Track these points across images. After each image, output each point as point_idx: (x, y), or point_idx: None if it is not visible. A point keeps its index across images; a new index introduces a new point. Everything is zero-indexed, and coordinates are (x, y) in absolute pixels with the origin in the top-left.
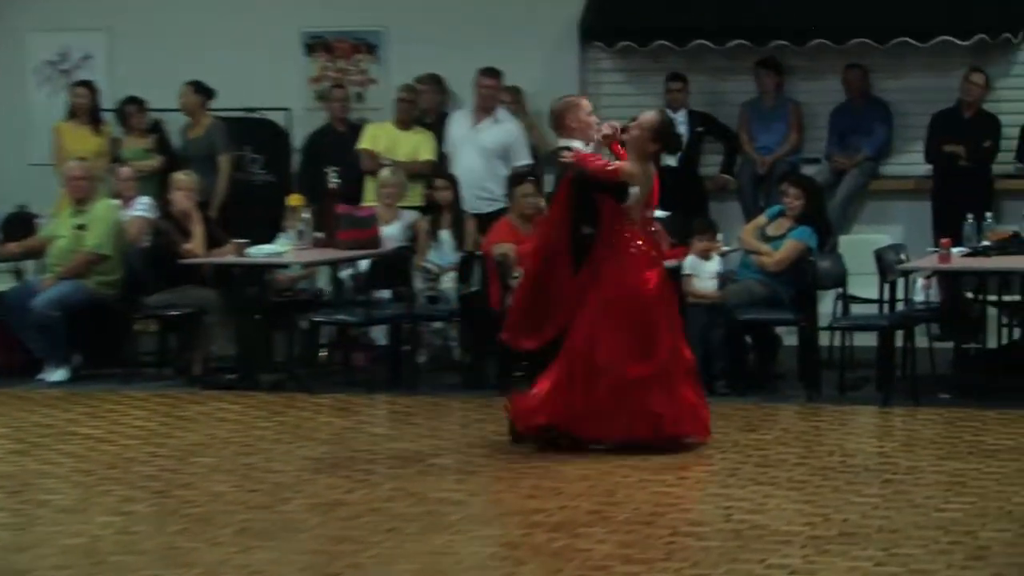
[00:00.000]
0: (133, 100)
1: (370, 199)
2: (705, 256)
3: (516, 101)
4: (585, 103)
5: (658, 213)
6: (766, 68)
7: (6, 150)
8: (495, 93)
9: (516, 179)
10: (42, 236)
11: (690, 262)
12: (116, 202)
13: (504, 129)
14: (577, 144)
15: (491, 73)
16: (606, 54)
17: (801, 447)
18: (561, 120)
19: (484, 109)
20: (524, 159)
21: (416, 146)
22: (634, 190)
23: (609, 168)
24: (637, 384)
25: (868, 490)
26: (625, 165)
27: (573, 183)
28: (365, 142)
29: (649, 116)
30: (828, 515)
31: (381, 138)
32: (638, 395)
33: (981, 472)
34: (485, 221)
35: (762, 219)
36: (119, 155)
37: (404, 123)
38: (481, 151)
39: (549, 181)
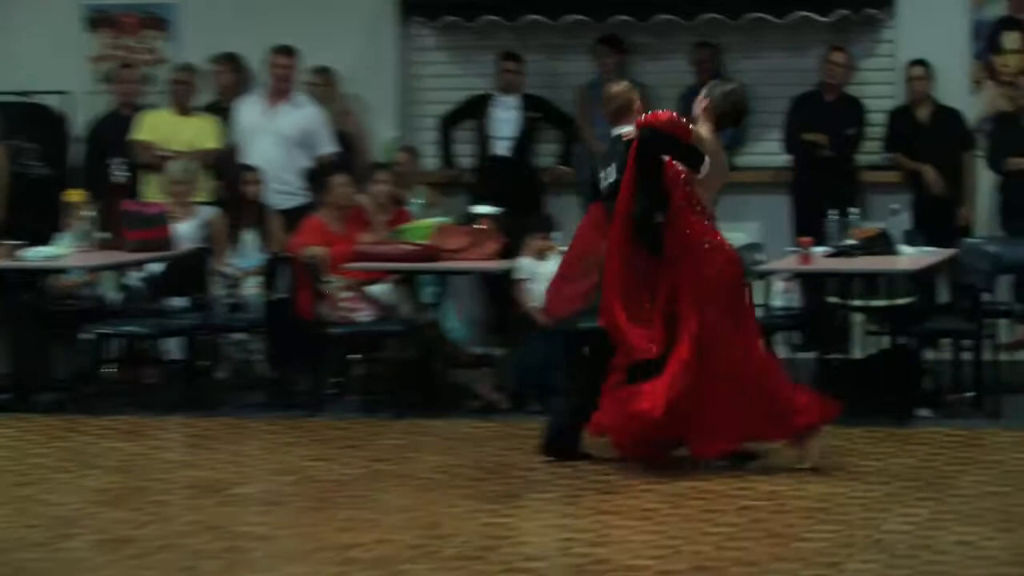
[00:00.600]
0: None
1: (152, 195)
2: (541, 257)
3: (327, 83)
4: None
5: (486, 209)
6: (607, 46)
7: None
8: (290, 73)
9: (326, 170)
10: None
11: (525, 264)
12: None
13: (304, 114)
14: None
15: (285, 51)
16: (429, 30)
17: (648, 471)
18: (629, 105)
19: (279, 92)
20: (327, 147)
21: (197, 133)
22: (707, 163)
23: (683, 121)
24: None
25: (723, 518)
26: (697, 128)
27: (638, 162)
28: (141, 132)
29: (725, 86)
30: (679, 547)
31: (159, 127)
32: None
33: (846, 497)
34: (291, 219)
35: None
36: None
37: (183, 108)
38: (278, 139)
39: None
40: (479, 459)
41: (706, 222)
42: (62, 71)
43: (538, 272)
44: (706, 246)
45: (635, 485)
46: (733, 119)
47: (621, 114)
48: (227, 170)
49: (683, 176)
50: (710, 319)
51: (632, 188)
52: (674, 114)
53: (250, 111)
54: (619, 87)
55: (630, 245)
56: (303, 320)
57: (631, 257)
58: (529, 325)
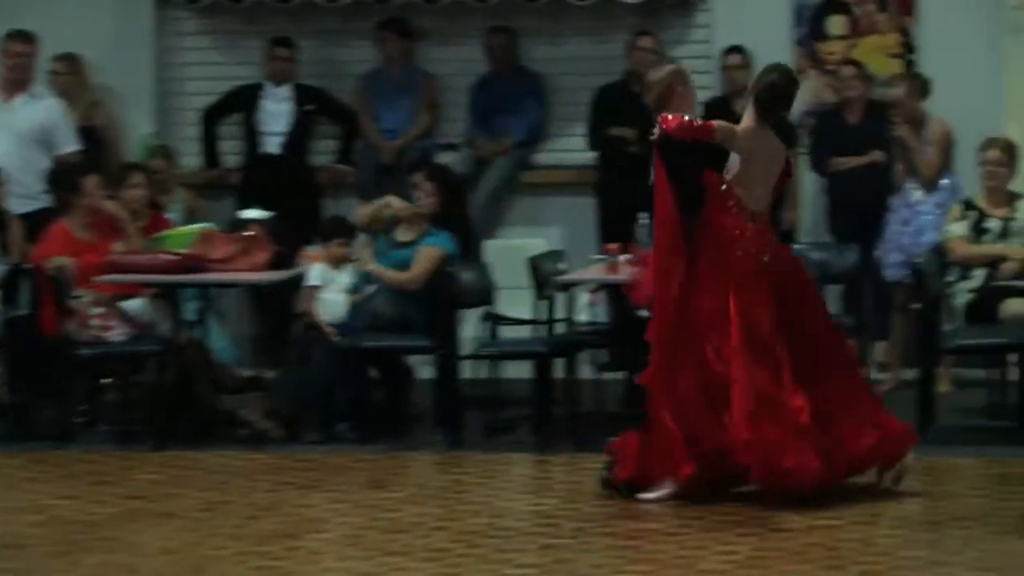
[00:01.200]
0: None
1: None
2: (337, 266)
3: (73, 72)
4: (686, 70)
5: (255, 213)
6: (390, 31)
7: None
8: (28, 62)
9: (72, 171)
10: None
11: (317, 272)
12: None
13: (42, 107)
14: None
15: (22, 37)
16: (188, 12)
17: (440, 507)
18: (670, 91)
19: (15, 83)
20: (69, 145)
21: None
22: (735, 160)
23: (696, 124)
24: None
25: (524, 558)
26: (723, 124)
27: (665, 165)
28: None
29: (773, 75)
30: None
31: None
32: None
33: (661, 533)
34: (32, 225)
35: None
36: None
37: None
38: (14, 136)
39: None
40: (249, 495)
41: (745, 222)
42: None
43: (333, 281)
44: (739, 254)
45: (424, 523)
46: (783, 107)
47: (662, 104)
48: None
49: (717, 176)
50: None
51: (666, 190)
52: (684, 118)
53: None
54: (659, 73)
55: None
56: (47, 339)
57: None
58: (311, 341)
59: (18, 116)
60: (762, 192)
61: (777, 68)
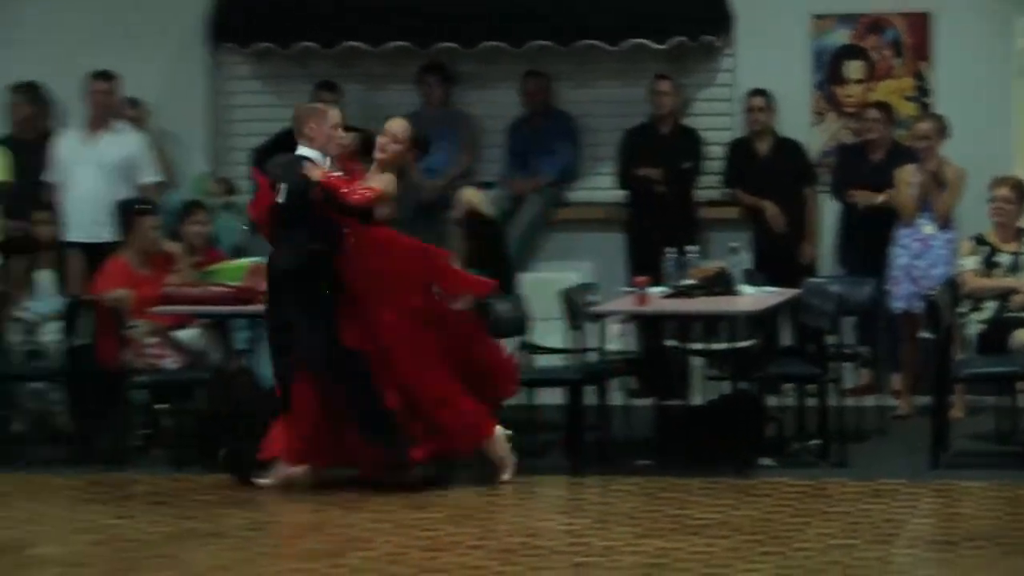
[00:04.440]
0: None
1: None
2: None
3: (137, 117)
4: (333, 114)
5: None
6: (431, 75)
7: None
8: (111, 100)
9: (138, 211)
10: None
11: None
12: None
13: (125, 141)
14: (315, 155)
15: (105, 77)
16: (241, 57)
17: (477, 526)
18: (300, 125)
19: (99, 119)
20: (150, 176)
21: None
22: (383, 210)
23: (369, 197)
24: None
25: None
26: (381, 188)
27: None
28: None
29: (400, 124)
30: None
31: None
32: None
33: (686, 552)
34: (94, 258)
35: None
36: None
37: None
38: (100, 169)
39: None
40: (295, 515)
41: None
42: None
43: None
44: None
45: (463, 542)
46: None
47: (297, 133)
48: (18, 208)
49: None
50: None
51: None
52: (357, 190)
53: (68, 145)
54: (299, 107)
55: None
56: (106, 368)
57: None
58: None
59: (103, 150)
60: None
61: (405, 118)
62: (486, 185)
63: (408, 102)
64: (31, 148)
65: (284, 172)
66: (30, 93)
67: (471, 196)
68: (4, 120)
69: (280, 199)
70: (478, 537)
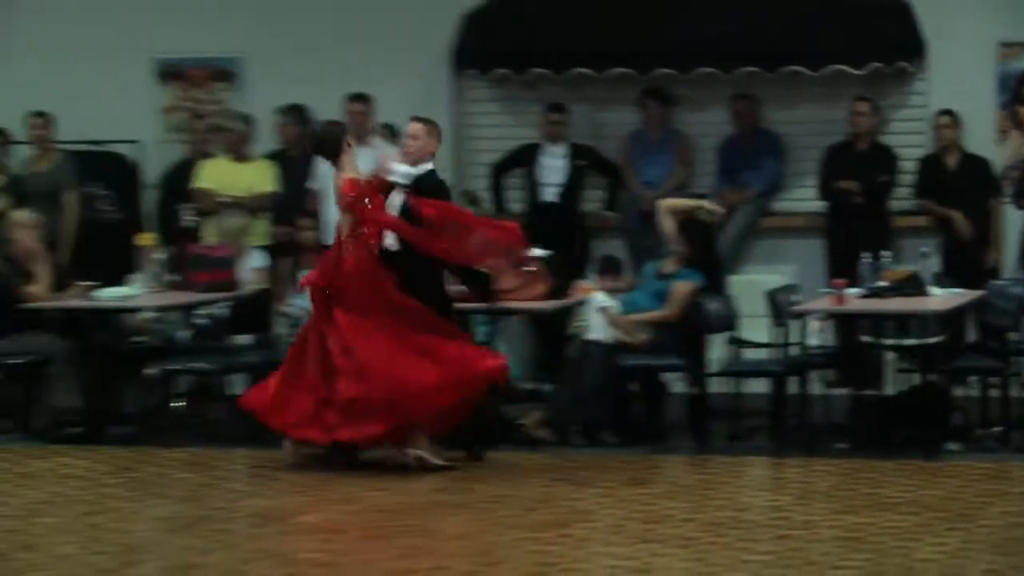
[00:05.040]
0: None
1: (211, 239)
2: (608, 294)
3: (389, 139)
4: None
5: (536, 252)
6: (651, 98)
7: None
8: (365, 120)
9: None
10: None
11: (602, 297)
12: None
13: (381, 156)
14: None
15: (359, 98)
16: (481, 82)
17: (690, 501)
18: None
19: (356, 136)
20: None
21: (255, 179)
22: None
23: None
24: None
25: (761, 547)
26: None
27: None
28: (200, 181)
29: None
30: (718, 574)
31: (217, 175)
32: None
33: (879, 527)
34: None
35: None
36: None
37: (238, 156)
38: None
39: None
40: (528, 490)
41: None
42: (134, 122)
43: (611, 306)
44: None
45: (676, 515)
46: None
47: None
48: (285, 215)
49: None
50: None
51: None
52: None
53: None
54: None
55: None
56: None
57: None
58: (583, 359)
59: (360, 165)
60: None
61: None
62: (699, 196)
63: (629, 122)
64: (297, 163)
65: None
66: (296, 115)
67: (676, 203)
68: (274, 138)
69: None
70: (691, 511)
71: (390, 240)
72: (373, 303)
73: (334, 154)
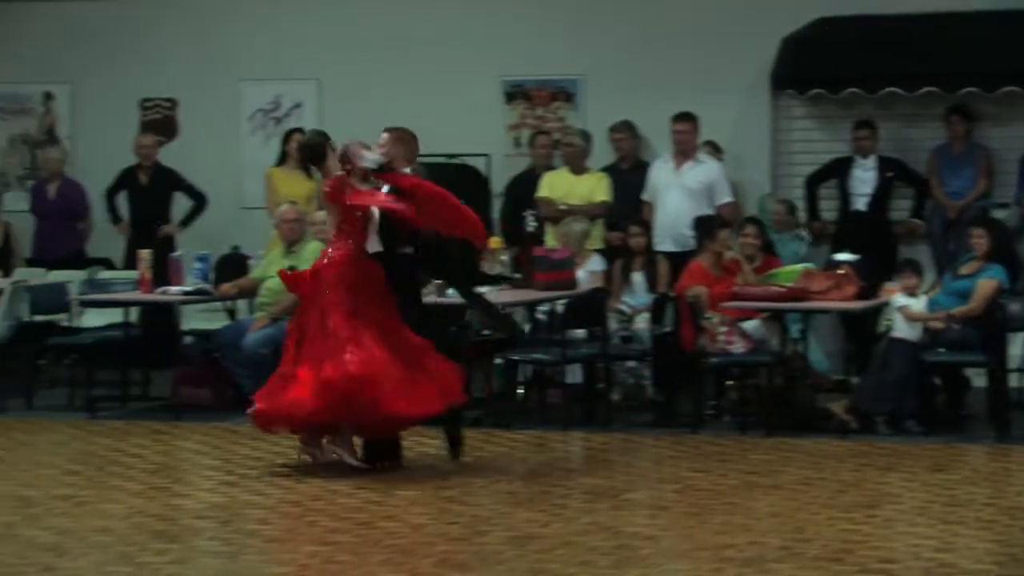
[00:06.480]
0: None
1: (552, 243)
2: (911, 293)
3: (712, 153)
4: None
5: (847, 256)
6: (957, 114)
7: (221, 194)
8: (689, 138)
9: (714, 225)
10: (254, 277)
11: (901, 297)
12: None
13: (707, 168)
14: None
15: (684, 118)
16: (797, 101)
17: (990, 487)
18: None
19: (682, 153)
20: (727, 196)
21: (591, 189)
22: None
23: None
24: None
25: None
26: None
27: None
28: (543, 190)
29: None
30: (1017, 555)
31: (557, 185)
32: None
33: None
34: (677, 262)
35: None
36: None
37: (576, 168)
38: (686, 192)
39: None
40: (838, 473)
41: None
42: (484, 137)
43: (908, 304)
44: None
45: (976, 500)
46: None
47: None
48: (617, 222)
49: None
50: None
51: None
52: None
53: (660, 171)
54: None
55: None
56: (685, 351)
57: None
58: (891, 354)
59: (687, 178)
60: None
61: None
62: (1001, 206)
63: (935, 137)
64: (628, 174)
65: None
66: (630, 130)
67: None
68: (607, 152)
69: None
70: (991, 496)
71: (373, 243)
72: (361, 295)
73: (319, 160)
